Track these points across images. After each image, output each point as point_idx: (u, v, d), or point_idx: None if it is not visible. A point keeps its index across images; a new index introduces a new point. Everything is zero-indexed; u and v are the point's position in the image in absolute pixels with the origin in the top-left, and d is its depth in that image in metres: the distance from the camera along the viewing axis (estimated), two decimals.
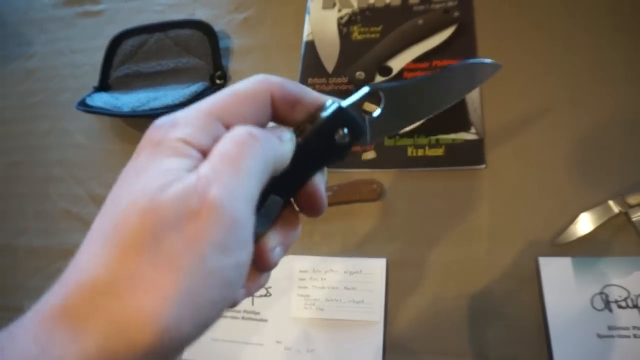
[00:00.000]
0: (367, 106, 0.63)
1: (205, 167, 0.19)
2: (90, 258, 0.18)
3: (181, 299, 0.17)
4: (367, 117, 0.26)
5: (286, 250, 0.24)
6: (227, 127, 0.21)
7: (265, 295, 0.56)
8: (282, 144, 0.22)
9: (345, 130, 0.24)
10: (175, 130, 0.20)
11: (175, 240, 0.17)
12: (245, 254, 0.19)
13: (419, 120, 0.29)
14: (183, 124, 0.20)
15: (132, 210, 0.18)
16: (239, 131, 0.20)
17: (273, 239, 0.23)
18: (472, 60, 0.32)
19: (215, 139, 0.20)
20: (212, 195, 0.17)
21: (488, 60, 0.31)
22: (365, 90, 0.26)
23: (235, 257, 0.18)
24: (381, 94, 0.26)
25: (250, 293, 0.24)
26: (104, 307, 0.17)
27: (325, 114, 0.24)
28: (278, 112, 0.23)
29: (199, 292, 0.17)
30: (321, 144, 0.24)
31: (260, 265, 0.23)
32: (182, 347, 0.18)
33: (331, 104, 0.24)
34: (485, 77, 0.31)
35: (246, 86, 0.22)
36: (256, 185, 0.19)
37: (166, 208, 0.17)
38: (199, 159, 0.19)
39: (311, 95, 0.24)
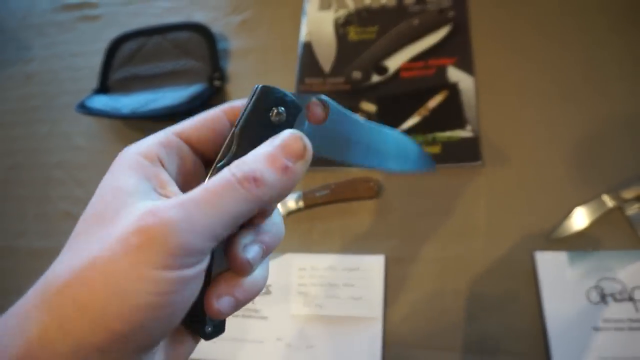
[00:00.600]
0: (365, 105, 0.63)
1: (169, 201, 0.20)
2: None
3: (105, 290, 0.18)
4: (306, 119, 0.25)
5: (267, 249, 0.23)
6: (191, 144, 0.24)
7: (265, 293, 0.56)
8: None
9: (280, 108, 0.24)
10: (135, 146, 0.23)
11: (112, 241, 0.19)
12: (193, 269, 0.20)
13: (347, 162, 0.27)
14: (144, 141, 0.23)
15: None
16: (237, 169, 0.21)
17: (244, 237, 0.23)
18: (421, 149, 0.30)
19: (179, 154, 0.24)
20: (167, 213, 0.19)
21: (431, 164, 0.30)
22: (310, 95, 0.26)
23: (179, 271, 0.19)
24: (328, 106, 0.26)
25: (238, 300, 0.23)
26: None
27: (251, 95, 0.24)
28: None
29: (128, 293, 0.18)
30: (259, 128, 0.23)
31: (234, 266, 0.22)
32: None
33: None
34: (418, 168, 0.30)
35: (209, 111, 0.24)
36: (223, 225, 0.20)
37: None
38: (152, 169, 0.22)
39: None
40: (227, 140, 0.24)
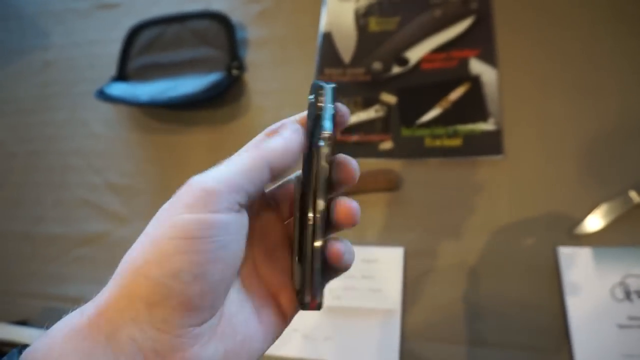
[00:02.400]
0: (385, 96, 0.63)
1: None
2: None
3: (147, 245, 0.21)
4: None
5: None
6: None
7: None
8: (278, 138, 0.25)
9: (314, 93, 0.26)
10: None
11: (161, 210, 0.23)
12: (215, 214, 0.21)
13: None
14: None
15: None
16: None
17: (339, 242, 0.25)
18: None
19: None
20: (193, 179, 0.23)
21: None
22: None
23: (200, 214, 0.21)
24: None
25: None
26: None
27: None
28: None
29: (161, 240, 0.21)
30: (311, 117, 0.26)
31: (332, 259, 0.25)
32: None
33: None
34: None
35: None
36: (242, 177, 0.23)
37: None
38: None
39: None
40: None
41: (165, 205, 0.22)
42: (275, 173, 0.24)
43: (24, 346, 0.21)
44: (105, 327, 0.20)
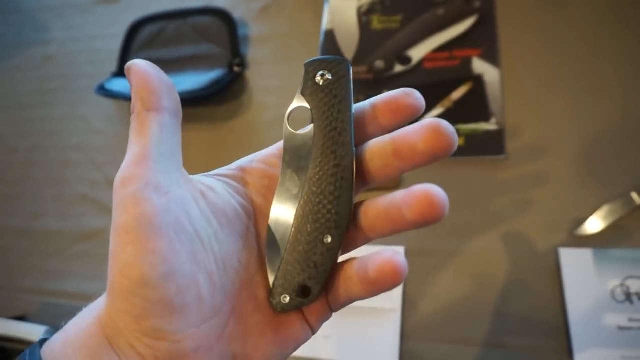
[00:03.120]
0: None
1: None
2: None
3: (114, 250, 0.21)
4: None
5: None
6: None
7: None
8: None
9: (324, 72, 0.25)
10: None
11: None
12: (159, 198, 0.21)
13: None
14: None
15: None
16: None
17: None
18: None
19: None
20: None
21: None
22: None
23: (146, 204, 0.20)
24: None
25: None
26: None
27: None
28: None
29: (117, 248, 0.21)
30: (313, 92, 0.25)
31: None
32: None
33: None
34: None
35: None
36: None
37: None
38: None
39: None
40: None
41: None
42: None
43: (45, 340, 0.21)
44: (108, 330, 0.20)
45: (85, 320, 0.21)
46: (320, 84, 0.25)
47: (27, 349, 0.21)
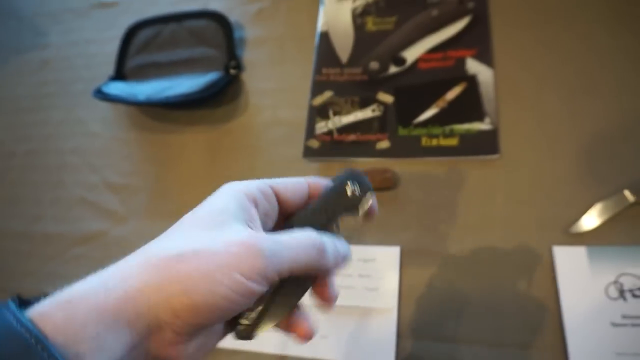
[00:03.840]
0: (382, 96, 0.63)
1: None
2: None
3: (203, 277, 0.24)
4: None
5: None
6: (278, 196, 0.31)
7: None
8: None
9: (355, 184, 0.32)
10: (241, 184, 0.30)
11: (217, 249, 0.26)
12: (259, 286, 0.26)
13: None
14: (248, 183, 0.30)
15: None
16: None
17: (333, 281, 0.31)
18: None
19: (268, 200, 0.31)
20: (260, 242, 0.26)
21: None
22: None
23: (255, 286, 0.25)
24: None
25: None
26: None
27: (338, 175, 0.32)
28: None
29: (218, 283, 0.24)
30: (336, 196, 0.32)
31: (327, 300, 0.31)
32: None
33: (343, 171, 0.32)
34: None
35: (297, 178, 0.33)
36: (289, 268, 0.27)
37: None
38: (248, 205, 0.29)
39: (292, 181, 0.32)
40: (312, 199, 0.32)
41: (220, 252, 0.25)
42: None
43: (20, 299, 0.22)
44: (131, 312, 0.22)
45: (100, 298, 0.22)
46: (348, 194, 0.32)
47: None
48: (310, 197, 0.32)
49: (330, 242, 0.29)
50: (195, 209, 0.28)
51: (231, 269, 0.24)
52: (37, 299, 0.22)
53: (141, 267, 0.24)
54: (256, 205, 0.29)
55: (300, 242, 0.27)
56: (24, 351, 0.19)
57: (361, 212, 0.32)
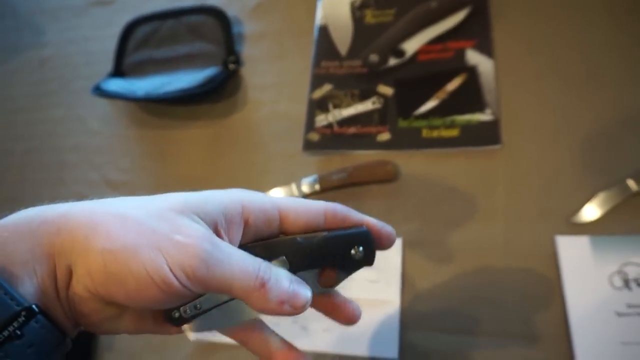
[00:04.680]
0: (382, 88, 0.62)
1: None
2: None
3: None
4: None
5: None
6: (282, 219, 0.29)
7: None
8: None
9: (361, 249, 0.29)
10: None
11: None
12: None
13: None
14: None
15: None
16: None
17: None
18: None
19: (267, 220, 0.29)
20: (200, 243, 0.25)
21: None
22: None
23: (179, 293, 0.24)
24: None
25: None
26: None
27: (354, 230, 0.29)
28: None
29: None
30: (338, 252, 0.29)
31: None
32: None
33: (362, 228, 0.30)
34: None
35: (313, 203, 0.29)
36: (221, 287, 0.25)
37: None
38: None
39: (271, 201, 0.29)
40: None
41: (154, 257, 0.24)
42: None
43: None
44: (56, 249, 0.24)
45: (34, 226, 0.24)
46: (351, 253, 0.29)
47: None
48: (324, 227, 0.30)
49: (281, 282, 0.26)
50: (178, 194, 0.28)
51: (161, 252, 0.23)
52: None
53: (84, 213, 0.25)
54: (246, 224, 0.28)
55: (243, 264, 0.25)
56: None
57: (345, 278, 0.30)
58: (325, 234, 0.29)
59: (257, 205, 0.28)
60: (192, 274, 0.23)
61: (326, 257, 0.29)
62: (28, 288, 0.22)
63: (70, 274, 0.24)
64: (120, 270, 0.23)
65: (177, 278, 0.23)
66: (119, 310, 0.26)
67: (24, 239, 0.23)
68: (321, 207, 0.30)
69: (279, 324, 0.54)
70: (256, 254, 0.27)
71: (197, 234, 0.24)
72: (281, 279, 0.26)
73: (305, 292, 0.27)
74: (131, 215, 0.24)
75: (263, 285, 0.25)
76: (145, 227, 0.24)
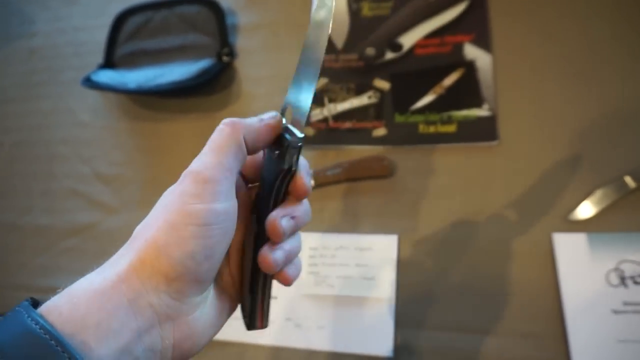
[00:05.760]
0: (378, 82, 0.61)
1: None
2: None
3: (166, 228, 0.25)
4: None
5: (296, 225, 0.29)
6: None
7: None
8: (259, 122, 0.29)
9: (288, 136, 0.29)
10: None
11: (170, 197, 0.26)
12: (219, 203, 0.25)
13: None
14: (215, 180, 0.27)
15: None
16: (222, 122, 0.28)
17: (278, 211, 0.29)
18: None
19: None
20: (191, 167, 0.26)
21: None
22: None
23: (209, 204, 0.25)
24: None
25: (287, 275, 0.29)
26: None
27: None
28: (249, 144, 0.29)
29: (179, 226, 0.24)
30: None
31: (271, 234, 0.28)
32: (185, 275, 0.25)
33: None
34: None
35: (224, 137, 0.28)
36: (228, 156, 0.27)
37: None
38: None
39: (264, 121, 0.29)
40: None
41: (172, 196, 0.26)
42: (250, 145, 0.28)
43: (34, 299, 0.23)
44: (127, 292, 0.23)
45: (94, 286, 0.23)
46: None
47: (14, 309, 0.22)
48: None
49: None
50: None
51: (184, 206, 0.25)
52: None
53: (126, 249, 0.25)
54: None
55: (218, 137, 0.27)
56: (41, 348, 0.20)
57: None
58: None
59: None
60: (213, 179, 0.26)
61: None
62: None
63: (157, 315, 0.24)
64: (177, 243, 0.24)
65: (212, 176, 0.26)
66: (200, 296, 0.27)
67: (89, 302, 0.23)
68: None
69: (272, 321, 0.53)
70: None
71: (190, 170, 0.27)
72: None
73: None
74: (152, 220, 0.26)
75: (233, 124, 0.28)
76: (163, 209, 0.26)
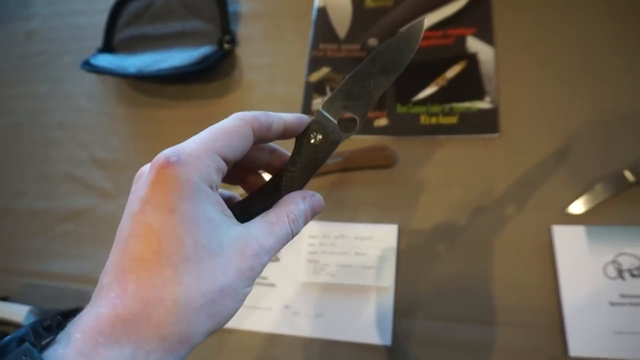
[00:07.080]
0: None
1: None
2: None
3: None
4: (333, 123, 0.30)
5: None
6: (223, 158, 0.25)
7: (274, 260, 0.55)
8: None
9: (319, 135, 0.29)
10: (195, 170, 0.24)
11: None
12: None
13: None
14: (202, 166, 0.24)
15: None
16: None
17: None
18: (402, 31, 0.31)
19: (218, 170, 0.25)
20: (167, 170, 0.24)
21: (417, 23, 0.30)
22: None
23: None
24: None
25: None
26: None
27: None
28: (258, 137, 0.28)
29: None
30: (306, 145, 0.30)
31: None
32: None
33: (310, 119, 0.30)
34: (415, 40, 0.30)
35: (232, 124, 0.26)
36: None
37: None
38: (215, 196, 0.25)
39: (277, 117, 0.29)
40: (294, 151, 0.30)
41: (142, 203, 0.25)
42: (258, 136, 0.27)
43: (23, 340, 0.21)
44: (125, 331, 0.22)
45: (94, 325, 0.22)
46: (312, 142, 0.29)
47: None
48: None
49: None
50: (185, 234, 0.23)
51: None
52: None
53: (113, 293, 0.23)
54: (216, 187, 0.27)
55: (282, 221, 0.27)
56: None
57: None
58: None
59: (212, 173, 0.26)
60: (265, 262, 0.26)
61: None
62: None
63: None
64: None
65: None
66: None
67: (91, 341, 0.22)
68: (246, 125, 0.27)
69: (271, 309, 0.53)
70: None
71: (250, 250, 0.25)
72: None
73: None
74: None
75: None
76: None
